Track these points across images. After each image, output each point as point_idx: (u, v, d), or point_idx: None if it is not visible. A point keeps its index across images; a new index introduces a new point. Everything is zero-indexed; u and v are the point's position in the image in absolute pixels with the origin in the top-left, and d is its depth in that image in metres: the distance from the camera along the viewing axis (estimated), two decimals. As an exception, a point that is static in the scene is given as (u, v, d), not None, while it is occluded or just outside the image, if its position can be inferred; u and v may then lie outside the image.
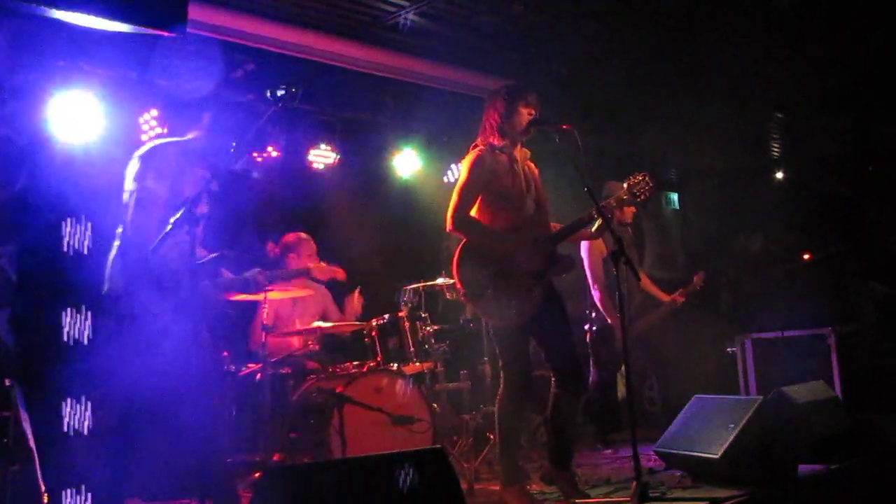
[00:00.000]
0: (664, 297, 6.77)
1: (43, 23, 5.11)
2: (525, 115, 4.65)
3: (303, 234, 6.54)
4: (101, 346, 4.92)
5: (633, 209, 6.66)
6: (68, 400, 5.22)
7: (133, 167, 4.35)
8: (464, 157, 4.73)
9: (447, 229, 4.60)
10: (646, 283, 6.74)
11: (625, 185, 4.73)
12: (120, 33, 4.17)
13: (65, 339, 5.28)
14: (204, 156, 4.44)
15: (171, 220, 3.90)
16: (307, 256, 6.47)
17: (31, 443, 4.58)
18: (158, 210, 4.16)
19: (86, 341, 5.25)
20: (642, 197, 4.70)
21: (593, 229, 4.74)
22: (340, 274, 5.88)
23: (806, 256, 8.25)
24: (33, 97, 5.55)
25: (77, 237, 5.51)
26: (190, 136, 4.56)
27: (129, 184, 4.34)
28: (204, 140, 4.51)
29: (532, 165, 4.84)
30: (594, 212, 4.55)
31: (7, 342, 5.09)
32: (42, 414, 4.91)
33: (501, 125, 4.67)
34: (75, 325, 5.30)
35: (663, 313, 6.72)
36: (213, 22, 5.93)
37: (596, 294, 6.46)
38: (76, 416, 5.23)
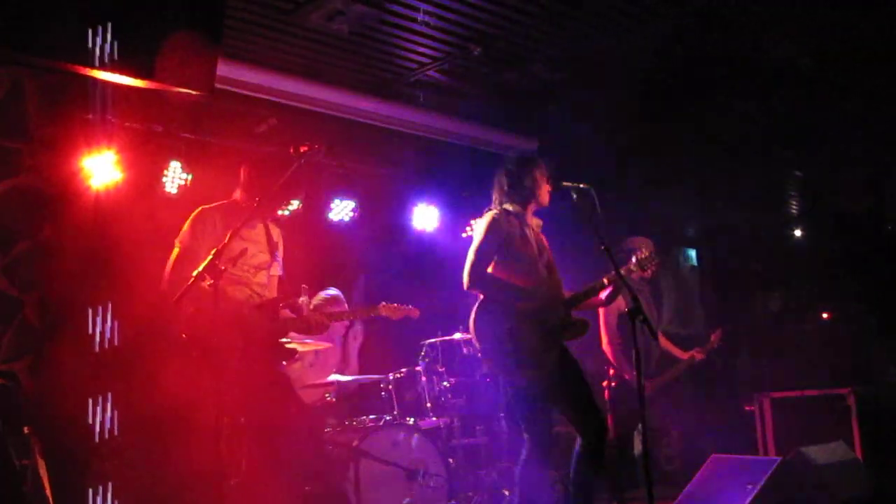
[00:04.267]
0: (682, 355, 6.74)
1: (73, 78, 5.24)
2: (535, 185, 4.72)
3: (334, 292, 6.58)
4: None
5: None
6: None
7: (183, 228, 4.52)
8: (480, 216, 4.78)
9: (464, 287, 4.62)
10: (663, 341, 6.72)
11: (633, 260, 4.78)
12: (147, 88, 4.27)
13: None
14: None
15: (194, 272, 3.95)
16: (329, 314, 6.51)
17: (48, 491, 4.60)
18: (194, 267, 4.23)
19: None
20: (651, 270, 4.79)
21: (603, 296, 4.75)
22: (414, 312, 5.82)
23: (825, 315, 8.21)
24: (62, 149, 5.66)
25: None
26: (235, 196, 4.68)
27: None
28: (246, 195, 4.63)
29: (543, 237, 4.89)
30: (610, 276, 4.57)
31: (28, 390, 5.13)
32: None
33: (512, 192, 4.74)
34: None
35: (681, 370, 6.69)
36: (237, 77, 6.04)
37: (608, 349, 6.43)
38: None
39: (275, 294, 4.71)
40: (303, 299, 5.00)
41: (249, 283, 4.53)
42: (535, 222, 4.83)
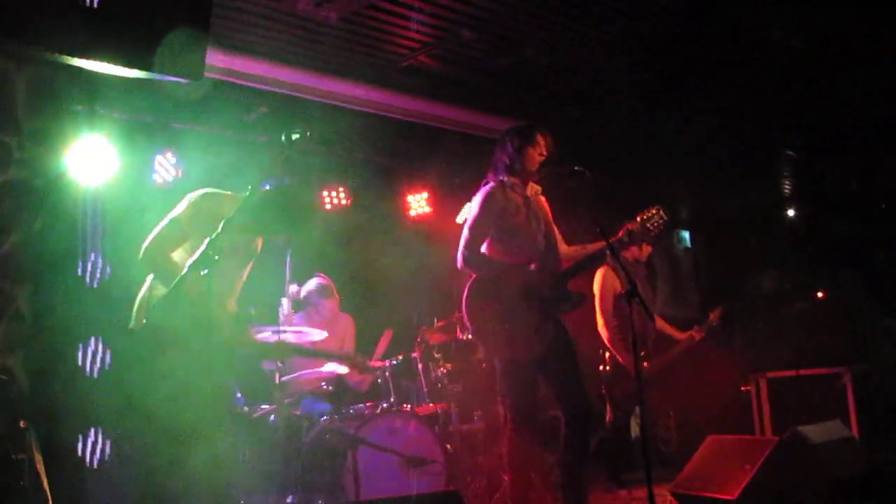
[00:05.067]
0: (680, 335, 6.73)
1: (61, 69, 5.20)
2: (535, 155, 4.69)
3: (324, 282, 6.58)
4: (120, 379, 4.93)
5: (649, 248, 6.66)
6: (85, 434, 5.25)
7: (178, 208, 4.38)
8: (475, 195, 4.76)
9: (458, 266, 4.61)
10: (660, 323, 6.72)
11: (637, 219, 4.73)
12: (136, 78, 4.23)
13: (87, 372, 5.32)
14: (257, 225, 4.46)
15: (188, 263, 3.92)
16: (328, 309, 6.54)
17: (45, 485, 4.58)
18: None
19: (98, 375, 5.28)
20: (655, 231, 4.69)
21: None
22: (368, 379, 5.99)
23: (820, 294, 8.21)
24: (51, 141, 5.62)
25: (94, 274, 5.56)
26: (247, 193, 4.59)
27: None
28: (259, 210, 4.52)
29: (543, 201, 4.87)
30: (607, 245, 4.55)
31: (22, 384, 5.11)
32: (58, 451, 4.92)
33: (512, 164, 4.71)
34: (92, 359, 5.34)
35: (680, 351, 6.67)
36: (227, 66, 6.00)
37: (604, 333, 6.43)
38: (94, 450, 5.26)
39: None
40: (294, 289, 4.97)
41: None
42: (534, 190, 4.81)
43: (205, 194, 4.38)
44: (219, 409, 4.16)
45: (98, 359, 5.36)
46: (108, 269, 5.59)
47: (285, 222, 4.18)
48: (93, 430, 5.30)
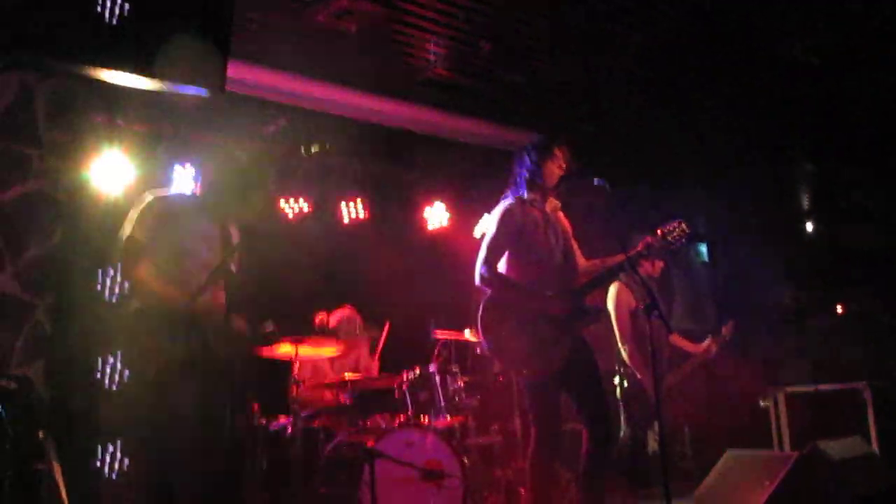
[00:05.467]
0: (697, 348, 6.69)
1: (81, 81, 5.24)
2: (555, 169, 4.67)
3: (348, 312, 6.65)
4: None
5: (661, 263, 6.63)
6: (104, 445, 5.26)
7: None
8: (493, 210, 4.75)
9: (475, 284, 4.60)
10: (675, 337, 6.68)
11: (658, 233, 4.68)
12: (156, 91, 4.26)
13: (105, 385, 5.33)
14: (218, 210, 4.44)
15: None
16: (345, 333, 6.58)
17: (64, 494, 4.60)
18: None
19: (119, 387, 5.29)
20: (676, 244, 4.62)
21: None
22: None
23: (839, 309, 8.17)
24: (71, 154, 5.67)
25: (113, 288, 5.59)
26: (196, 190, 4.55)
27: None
28: (215, 195, 4.50)
29: (562, 216, 4.85)
30: (628, 260, 4.52)
31: (41, 394, 5.14)
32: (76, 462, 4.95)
33: (531, 178, 4.69)
34: (112, 372, 5.35)
35: (696, 364, 6.63)
36: (246, 78, 6.03)
37: (624, 349, 6.40)
38: (111, 461, 5.27)
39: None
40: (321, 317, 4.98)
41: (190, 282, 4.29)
42: (553, 206, 4.80)
43: (151, 202, 4.30)
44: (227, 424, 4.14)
45: (116, 373, 5.38)
46: (126, 283, 5.61)
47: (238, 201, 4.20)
48: (110, 443, 5.31)
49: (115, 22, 3.59)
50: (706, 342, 6.67)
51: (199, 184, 4.48)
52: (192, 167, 6.40)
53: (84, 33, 3.58)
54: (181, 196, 4.39)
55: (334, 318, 6.66)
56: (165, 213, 4.27)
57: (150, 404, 4.03)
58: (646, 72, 6.74)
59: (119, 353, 5.38)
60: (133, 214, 4.26)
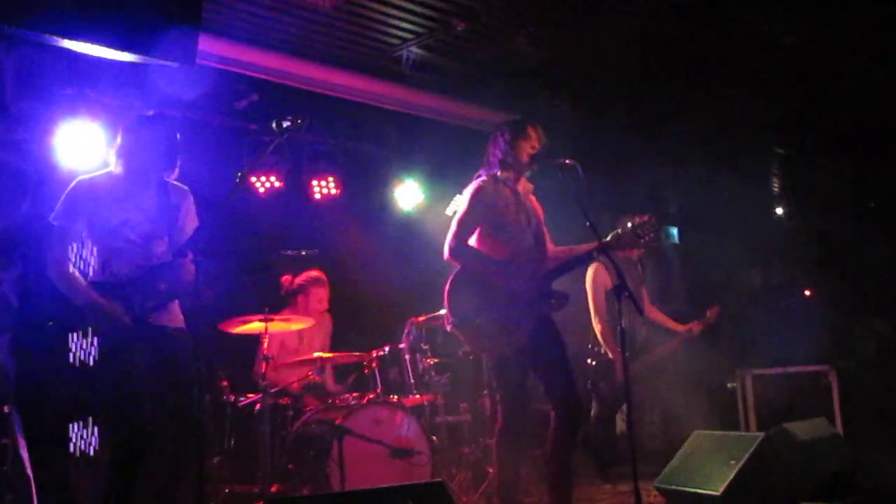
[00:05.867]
0: (680, 328, 6.72)
1: (50, 51, 5.16)
2: (528, 148, 4.67)
3: (315, 274, 6.60)
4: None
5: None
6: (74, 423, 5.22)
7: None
8: (465, 188, 4.75)
9: (444, 258, 4.60)
10: (658, 316, 6.73)
11: (629, 225, 4.72)
12: (126, 62, 4.20)
13: (71, 361, 5.28)
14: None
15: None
16: (317, 301, 6.55)
17: (29, 469, 4.56)
18: None
19: (91, 363, 5.24)
20: (646, 238, 4.67)
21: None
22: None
23: (806, 292, 8.26)
24: (40, 125, 5.58)
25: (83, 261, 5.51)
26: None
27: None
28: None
29: (534, 200, 4.85)
30: (595, 250, 4.55)
31: (7, 367, 5.08)
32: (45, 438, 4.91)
33: (504, 157, 4.68)
34: (81, 347, 5.30)
35: (677, 344, 6.67)
36: (219, 53, 5.97)
37: (597, 327, 6.45)
38: (82, 439, 5.23)
39: None
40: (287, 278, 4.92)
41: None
42: (526, 188, 4.80)
43: (76, 186, 4.20)
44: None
45: (88, 350, 5.32)
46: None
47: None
48: (81, 420, 5.27)
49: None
50: (692, 324, 6.72)
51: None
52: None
53: (53, 3, 3.53)
54: (107, 174, 4.28)
55: (300, 278, 6.61)
56: (89, 195, 4.17)
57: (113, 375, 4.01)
58: (622, 52, 6.73)
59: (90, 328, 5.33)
60: (61, 203, 4.17)
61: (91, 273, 4.16)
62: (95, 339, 4.28)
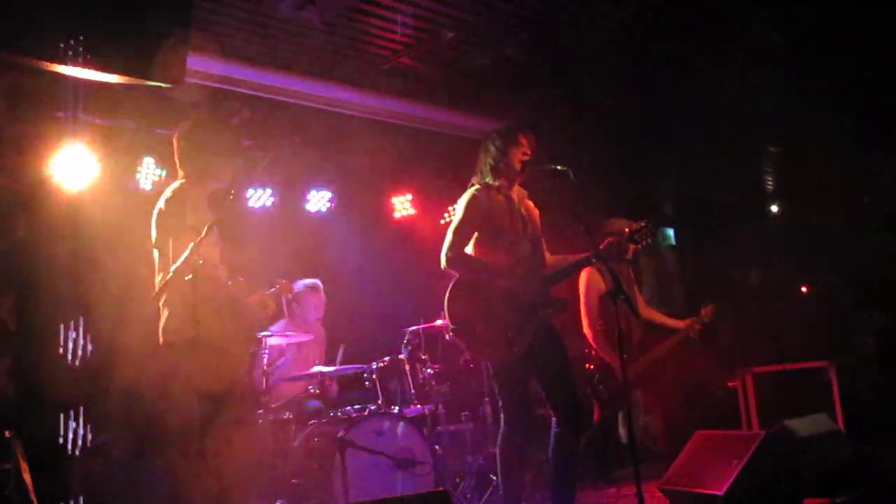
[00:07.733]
0: (679, 323, 6.70)
1: (41, 75, 5.18)
2: (519, 155, 4.67)
3: (311, 282, 6.59)
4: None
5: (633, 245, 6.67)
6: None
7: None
8: (460, 197, 4.76)
9: (441, 266, 4.60)
10: (655, 315, 6.72)
11: (626, 231, 4.74)
12: (117, 84, 4.20)
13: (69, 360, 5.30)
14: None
15: (173, 268, 3.91)
16: (313, 308, 6.55)
17: (32, 494, 4.56)
18: None
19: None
20: (640, 244, 4.70)
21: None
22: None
23: (804, 289, 8.27)
24: (33, 148, 5.59)
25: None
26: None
27: None
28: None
29: (530, 205, 4.85)
30: (591, 255, 4.56)
31: (7, 392, 5.09)
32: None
33: (495, 165, 4.69)
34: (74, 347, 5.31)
35: (673, 343, 6.64)
36: (209, 70, 5.98)
37: (589, 333, 6.40)
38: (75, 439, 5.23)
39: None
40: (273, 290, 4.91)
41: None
42: (520, 194, 4.81)
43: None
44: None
45: (80, 346, 5.33)
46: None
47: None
48: (74, 421, 5.27)
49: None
50: (689, 320, 6.70)
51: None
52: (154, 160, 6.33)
53: (43, 27, 3.55)
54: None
55: (298, 283, 6.60)
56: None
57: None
58: (614, 54, 6.75)
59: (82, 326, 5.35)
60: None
61: None
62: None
